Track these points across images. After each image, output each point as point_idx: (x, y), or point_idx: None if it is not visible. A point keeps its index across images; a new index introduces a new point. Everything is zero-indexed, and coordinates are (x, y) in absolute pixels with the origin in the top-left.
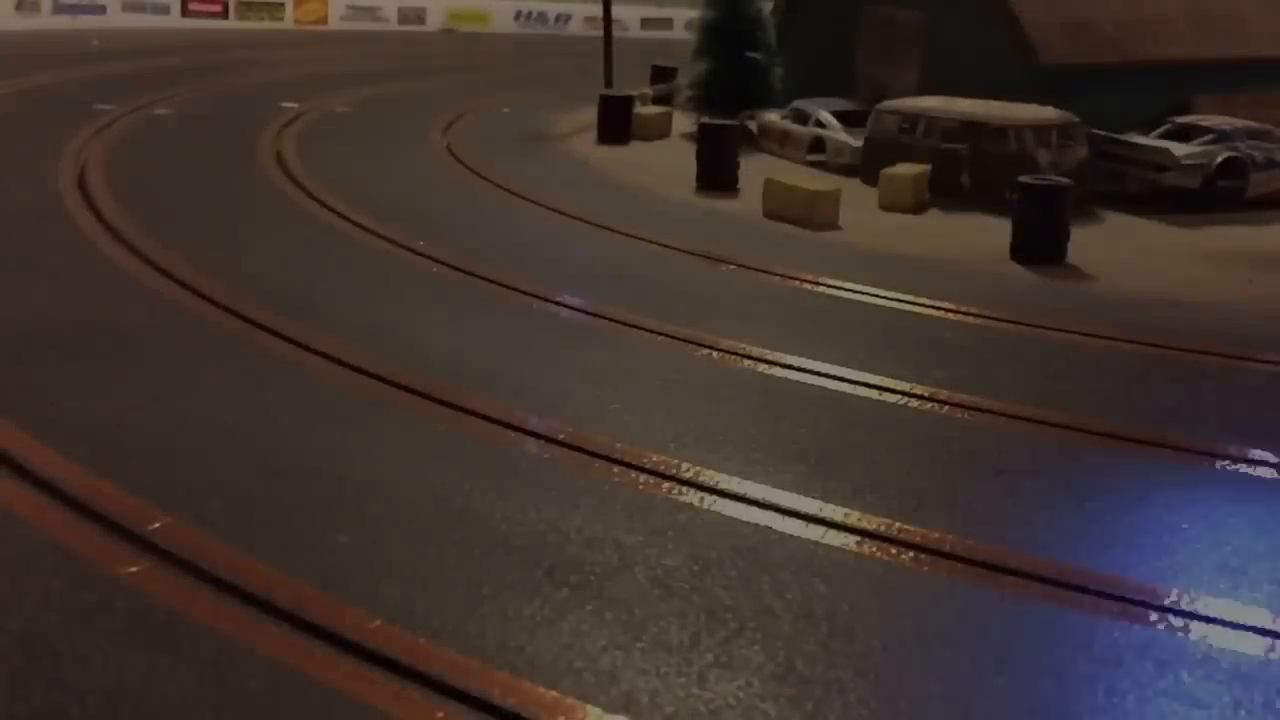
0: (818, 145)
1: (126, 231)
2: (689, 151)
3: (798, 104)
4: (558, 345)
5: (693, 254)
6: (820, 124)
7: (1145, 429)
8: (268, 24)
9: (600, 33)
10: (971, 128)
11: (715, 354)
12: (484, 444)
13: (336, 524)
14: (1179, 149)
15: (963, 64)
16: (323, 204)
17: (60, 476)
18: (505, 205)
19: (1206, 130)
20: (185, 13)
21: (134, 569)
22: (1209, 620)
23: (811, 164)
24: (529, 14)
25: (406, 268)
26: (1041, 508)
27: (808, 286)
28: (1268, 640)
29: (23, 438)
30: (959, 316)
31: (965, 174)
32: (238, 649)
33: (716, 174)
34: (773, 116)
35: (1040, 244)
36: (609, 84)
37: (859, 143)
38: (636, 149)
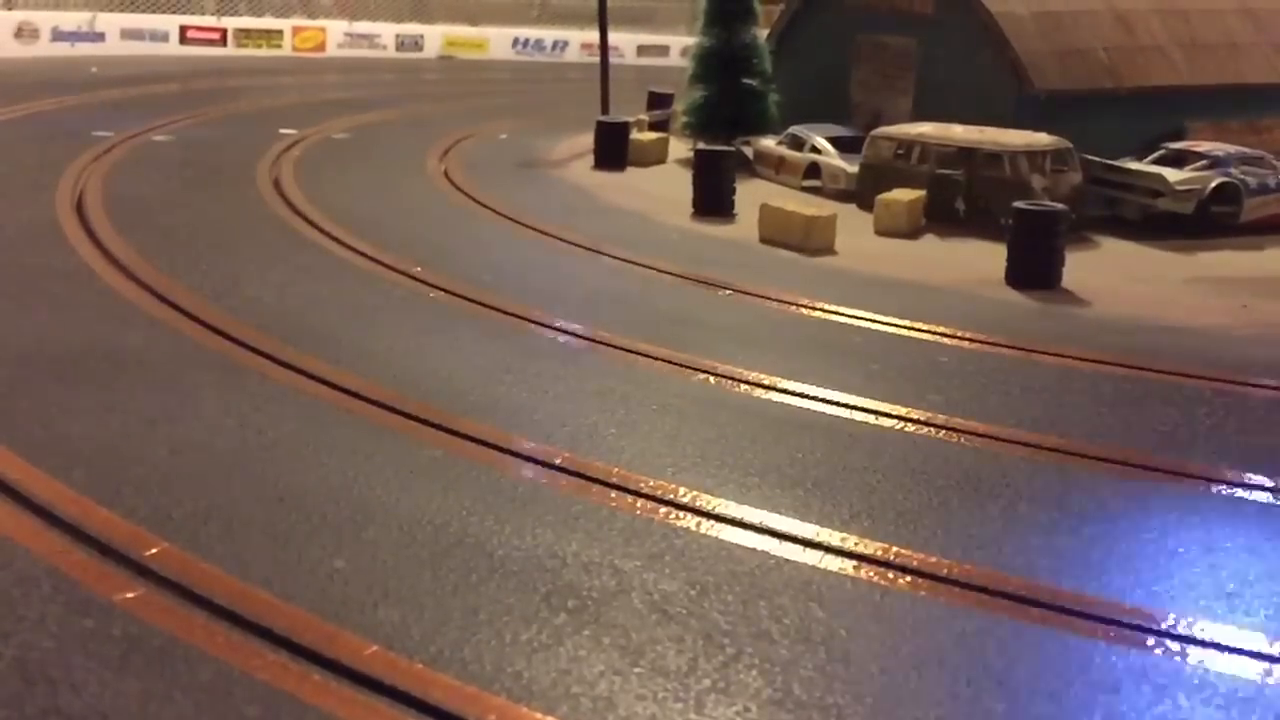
0: (813, 171)
1: (124, 257)
2: (685, 177)
3: (793, 130)
4: (554, 370)
5: (689, 279)
6: (816, 150)
7: (1141, 453)
8: (266, 51)
9: (597, 59)
10: (966, 153)
11: (712, 379)
12: (481, 468)
13: (333, 549)
14: (1172, 174)
15: (957, 90)
16: (320, 230)
17: (57, 502)
18: (502, 230)
19: (1200, 156)
20: (184, 40)
21: (130, 594)
22: (1206, 644)
23: (807, 189)
24: (526, 41)
25: (403, 293)
26: (1038, 532)
27: (804, 311)
28: (1265, 664)
29: (20, 463)
30: (955, 341)
31: (960, 199)
32: (234, 675)
33: (713, 199)
34: (768, 142)
35: (1035, 269)
36: (605, 110)
37: (854, 168)
38: (633, 175)
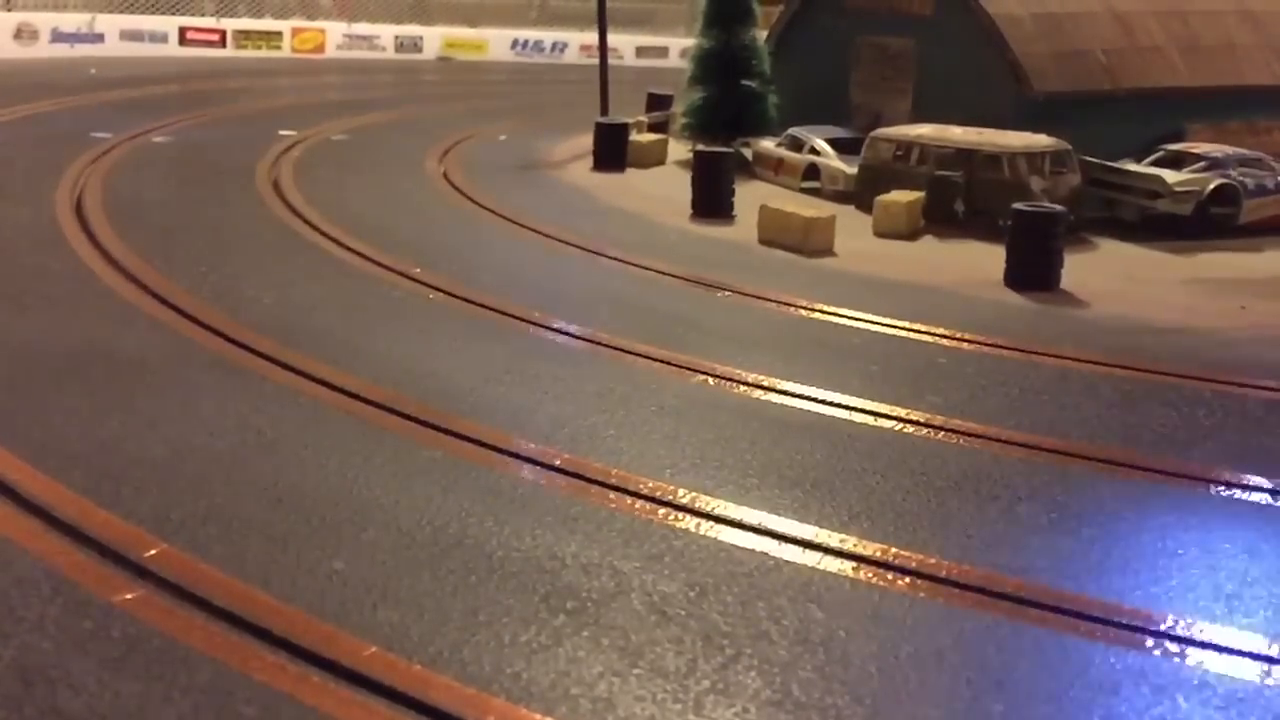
0: (812, 172)
1: (123, 258)
2: (684, 179)
3: (792, 131)
4: (553, 371)
5: (688, 280)
6: (815, 151)
7: (1140, 454)
8: (265, 52)
9: (596, 61)
10: (965, 155)
11: (711, 380)
12: (480, 470)
13: (332, 550)
14: (1171, 176)
15: (956, 91)
16: (319, 231)
17: (56, 503)
18: (501, 232)
19: (1198, 157)
20: (183, 42)
21: (129, 596)
22: (1205, 645)
23: (806, 191)
24: (525, 42)
25: (402, 294)
26: (1037, 533)
27: (803, 312)
28: (1263, 666)
29: (19, 464)
30: (953, 342)
31: (959, 201)
32: (233, 676)
33: (712, 201)
34: (768, 144)
35: (1034, 270)
36: (605, 112)
37: (853, 170)
38: (632, 176)
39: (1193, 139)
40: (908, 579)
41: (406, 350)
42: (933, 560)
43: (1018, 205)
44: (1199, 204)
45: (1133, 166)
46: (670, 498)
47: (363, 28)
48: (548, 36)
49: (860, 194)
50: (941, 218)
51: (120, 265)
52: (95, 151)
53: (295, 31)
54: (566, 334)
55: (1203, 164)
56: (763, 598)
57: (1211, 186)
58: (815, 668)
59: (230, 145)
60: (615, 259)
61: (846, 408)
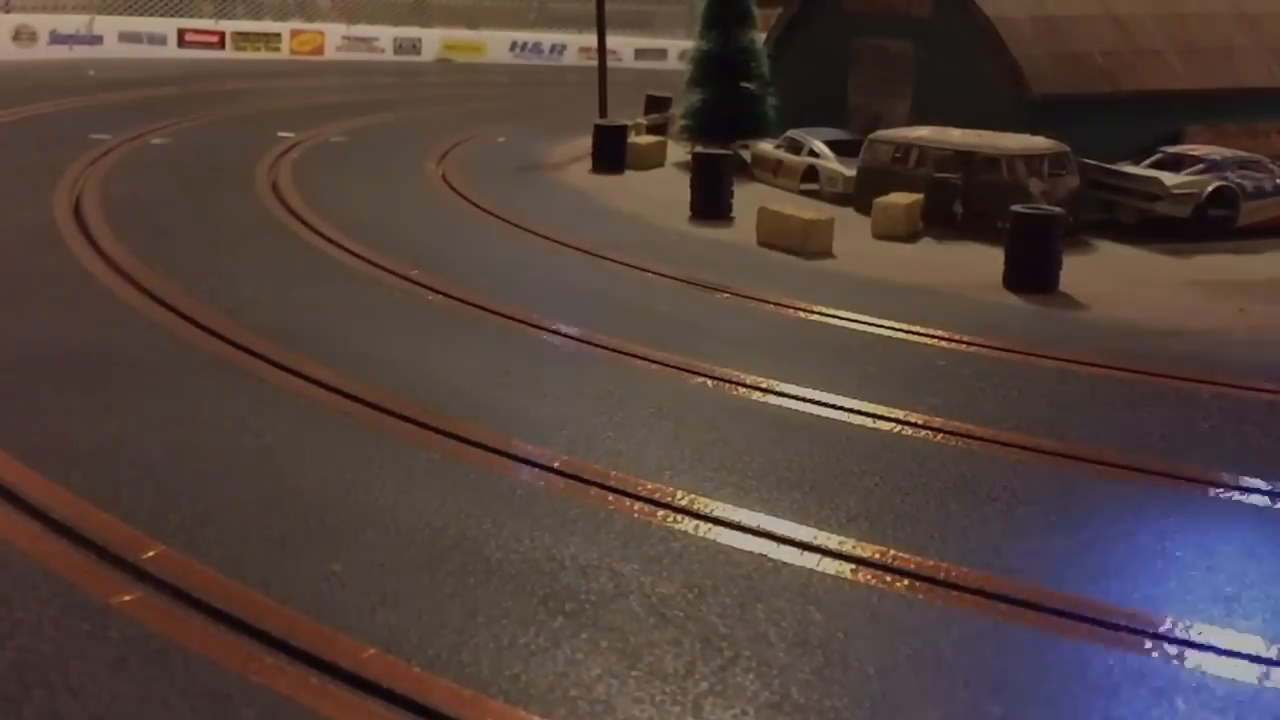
0: (811, 174)
1: (122, 260)
2: (683, 181)
3: (791, 133)
4: (552, 373)
5: (687, 282)
6: (814, 153)
7: (1138, 457)
8: (264, 54)
9: (595, 63)
10: (964, 157)
11: (710, 382)
12: (478, 472)
13: (330, 552)
14: (1169, 178)
15: (955, 94)
16: (318, 233)
17: (54, 505)
18: (500, 234)
19: (1197, 160)
20: (182, 43)
21: (128, 598)
22: (1203, 648)
23: (805, 193)
24: (524, 45)
25: (401, 296)
26: (1035, 535)
27: (801, 314)
28: (1261, 667)
29: (17, 466)
30: (952, 344)
31: (958, 203)
32: (231, 678)
33: (711, 203)
34: (766, 146)
35: (1032, 272)
36: (603, 114)
37: (852, 172)
38: (631, 178)
39: (1191, 141)
40: (906, 581)
41: (405, 352)
42: (931, 562)
43: (1016, 207)
44: (1197, 206)
45: (1131, 169)
46: (669, 499)
47: (361, 29)
48: (546, 38)
49: (859, 196)
50: (940, 220)
51: (119, 267)
52: (94, 153)
53: (294, 33)
54: (565, 336)
55: (1201, 166)
56: (761, 600)
57: (1210, 189)
58: (814, 670)
59: (229, 147)
60: (614, 260)
61: (845, 409)
